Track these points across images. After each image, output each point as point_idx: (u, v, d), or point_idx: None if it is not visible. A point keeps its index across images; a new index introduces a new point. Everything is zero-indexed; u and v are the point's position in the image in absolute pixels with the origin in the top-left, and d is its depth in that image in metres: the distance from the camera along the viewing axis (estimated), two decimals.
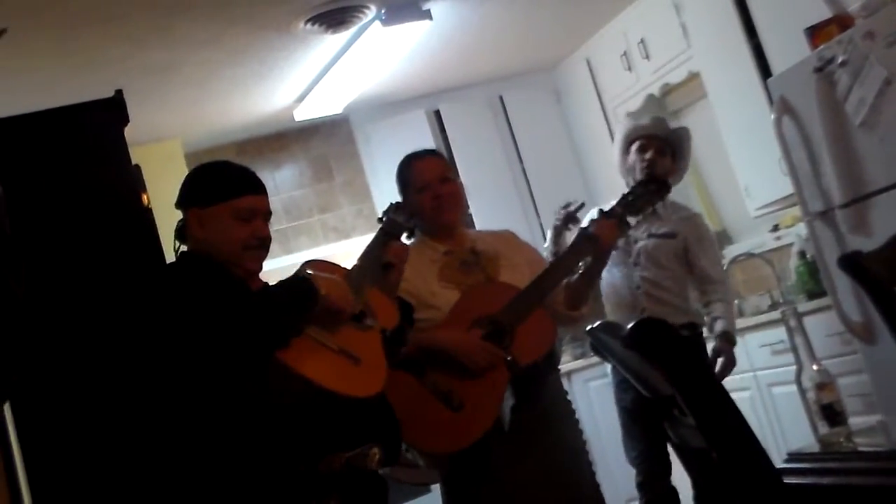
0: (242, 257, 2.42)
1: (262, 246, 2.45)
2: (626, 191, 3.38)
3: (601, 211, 3.19)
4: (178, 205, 2.50)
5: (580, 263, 3.12)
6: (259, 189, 2.47)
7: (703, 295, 4.09)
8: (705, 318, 4.10)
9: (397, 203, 2.92)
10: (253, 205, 2.43)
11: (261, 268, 2.49)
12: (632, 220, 3.25)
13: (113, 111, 2.94)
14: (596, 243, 3.05)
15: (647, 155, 3.97)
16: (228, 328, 2.20)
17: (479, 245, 3.11)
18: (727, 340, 3.99)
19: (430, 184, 3.03)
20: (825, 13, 4.10)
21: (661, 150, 3.99)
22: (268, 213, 2.48)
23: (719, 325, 4.02)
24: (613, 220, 3.10)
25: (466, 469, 2.87)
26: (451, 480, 2.96)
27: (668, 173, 3.94)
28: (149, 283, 2.50)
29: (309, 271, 2.35)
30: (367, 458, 2.24)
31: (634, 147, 4.02)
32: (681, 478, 3.96)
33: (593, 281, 3.24)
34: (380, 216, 2.86)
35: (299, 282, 2.29)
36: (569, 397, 3.17)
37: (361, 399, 2.29)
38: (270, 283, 2.44)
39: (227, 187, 2.43)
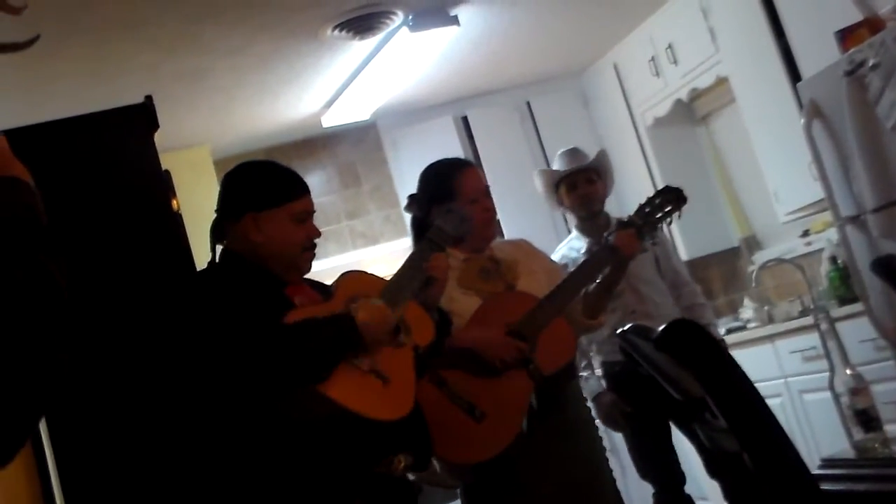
0: (300, 259, 2.44)
1: (315, 246, 2.48)
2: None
3: (620, 221, 3.18)
4: (227, 208, 2.46)
5: (599, 273, 3.10)
6: (308, 189, 2.50)
7: (682, 298, 4.07)
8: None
9: (447, 210, 2.76)
10: (307, 207, 2.46)
11: (311, 268, 2.50)
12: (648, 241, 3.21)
13: (143, 117, 2.96)
14: (616, 253, 3.04)
15: (580, 191, 3.98)
16: (265, 366, 2.18)
17: (498, 253, 3.10)
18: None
19: (479, 196, 3.01)
20: (855, 16, 4.07)
21: (589, 179, 3.99)
22: (314, 213, 2.51)
23: (715, 333, 4.02)
24: (632, 229, 3.09)
25: (488, 479, 2.85)
26: (472, 490, 2.94)
27: (605, 196, 4.02)
28: (187, 295, 2.45)
29: (353, 305, 2.30)
30: (391, 464, 2.23)
31: (563, 190, 4.02)
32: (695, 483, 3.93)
33: (611, 290, 3.22)
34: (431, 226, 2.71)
35: (343, 323, 2.24)
36: (588, 404, 3.16)
37: (388, 422, 2.24)
38: (314, 281, 2.48)
39: (283, 190, 2.44)
